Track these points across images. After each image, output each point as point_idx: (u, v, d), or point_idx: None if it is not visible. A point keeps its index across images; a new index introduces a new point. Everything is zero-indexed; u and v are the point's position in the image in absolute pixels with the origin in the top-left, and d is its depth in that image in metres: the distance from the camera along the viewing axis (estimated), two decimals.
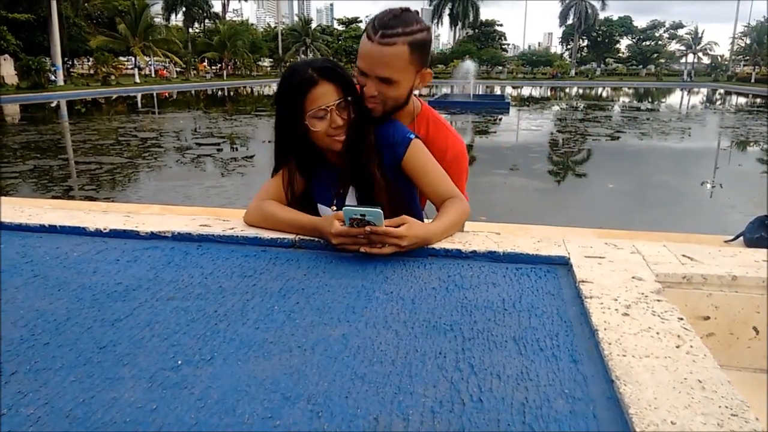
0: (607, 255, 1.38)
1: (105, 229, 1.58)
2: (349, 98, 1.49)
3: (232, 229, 1.55)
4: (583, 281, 1.21)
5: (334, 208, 1.62)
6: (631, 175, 10.88)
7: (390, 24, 1.48)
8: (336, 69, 1.49)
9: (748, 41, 62.79)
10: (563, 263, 1.36)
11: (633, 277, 1.23)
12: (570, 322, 1.07)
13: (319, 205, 1.66)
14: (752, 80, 53.62)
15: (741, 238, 3.96)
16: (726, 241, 4.02)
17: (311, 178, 1.65)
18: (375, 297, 1.18)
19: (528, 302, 1.16)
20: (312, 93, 1.46)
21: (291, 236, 1.49)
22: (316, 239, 1.48)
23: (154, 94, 34.14)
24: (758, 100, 36.53)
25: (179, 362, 0.92)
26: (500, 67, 69.40)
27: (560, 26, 71.41)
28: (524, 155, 12.71)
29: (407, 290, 1.22)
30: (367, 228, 1.32)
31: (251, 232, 1.52)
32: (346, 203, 1.60)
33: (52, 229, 1.62)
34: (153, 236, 1.55)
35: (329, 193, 1.64)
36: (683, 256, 1.37)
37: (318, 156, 1.62)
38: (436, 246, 1.42)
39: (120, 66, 44.13)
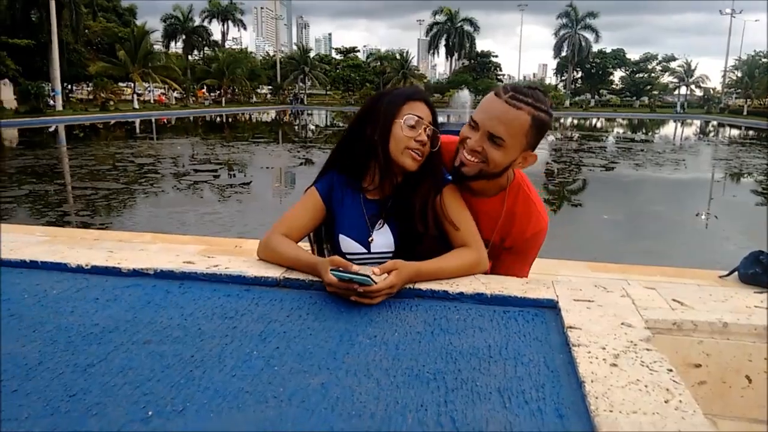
0: (596, 298, 1.35)
1: (87, 265, 1.55)
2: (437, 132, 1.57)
3: (216, 266, 1.52)
4: (571, 327, 1.18)
5: (372, 239, 1.60)
6: (626, 206, 10.92)
7: (523, 91, 1.49)
8: (432, 103, 1.60)
9: (739, 74, 63.77)
10: (551, 306, 1.34)
11: (622, 324, 1.20)
12: (557, 371, 1.04)
13: (341, 237, 1.62)
14: (744, 113, 54.30)
15: (735, 273, 3.94)
16: (720, 277, 4.00)
17: (340, 208, 1.64)
18: (358, 341, 1.15)
19: (514, 349, 1.13)
20: (413, 103, 1.55)
21: (276, 275, 1.47)
22: (302, 278, 1.45)
23: (153, 120, 34.35)
24: (751, 133, 36.94)
25: (150, 413, 0.89)
26: None
27: (554, 58, 72.43)
28: None
29: (391, 334, 1.19)
30: (359, 288, 1.29)
31: (236, 270, 1.49)
32: (374, 238, 1.60)
33: (33, 265, 1.58)
34: (135, 273, 1.52)
35: (362, 225, 1.61)
36: (673, 300, 1.35)
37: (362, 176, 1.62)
38: (423, 287, 1.40)
39: (119, 92, 44.45)
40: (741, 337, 1.22)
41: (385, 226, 1.61)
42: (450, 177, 1.60)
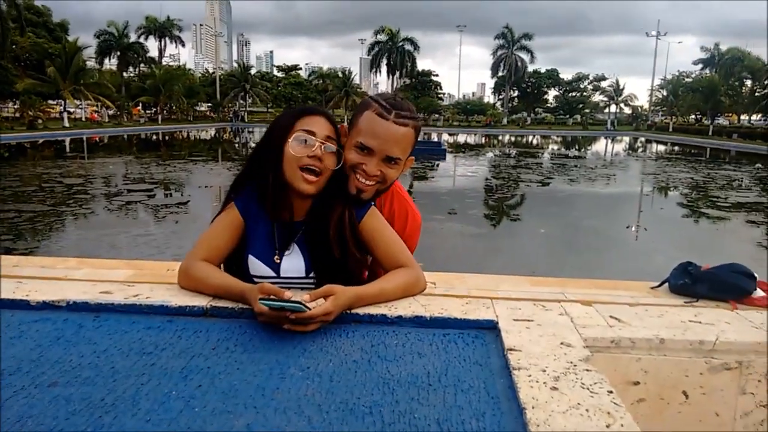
0: (535, 317, 1.33)
1: None
2: (339, 149, 1.48)
3: (137, 296, 1.41)
4: (511, 349, 1.15)
5: (277, 259, 1.51)
6: (561, 220, 11.24)
7: (402, 106, 1.50)
8: (334, 118, 1.51)
9: (664, 93, 67.43)
10: (491, 327, 1.30)
11: (561, 343, 1.18)
12: (497, 397, 1.00)
13: (250, 258, 1.52)
14: (670, 129, 57.38)
15: (666, 284, 4.07)
16: (652, 288, 4.13)
17: (253, 225, 1.53)
18: (289, 374, 1.07)
19: (454, 375, 1.08)
20: (306, 118, 1.46)
21: (203, 303, 1.37)
22: (230, 306, 1.36)
23: (84, 139, 32.98)
24: (676, 148, 39.06)
25: None
26: (437, 115, 71.42)
27: (492, 77, 74.35)
28: (461, 200, 12.94)
29: (326, 365, 1.12)
30: (291, 315, 1.21)
31: (158, 300, 1.39)
32: (281, 261, 1.51)
33: None
34: (45, 306, 1.39)
35: (272, 247, 1.52)
36: (611, 317, 1.34)
37: (275, 197, 1.51)
38: (360, 311, 1.34)
39: (48, 110, 42.52)
40: (677, 352, 1.22)
41: (296, 249, 1.53)
42: (372, 203, 1.55)
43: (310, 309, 1.22)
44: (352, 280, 1.41)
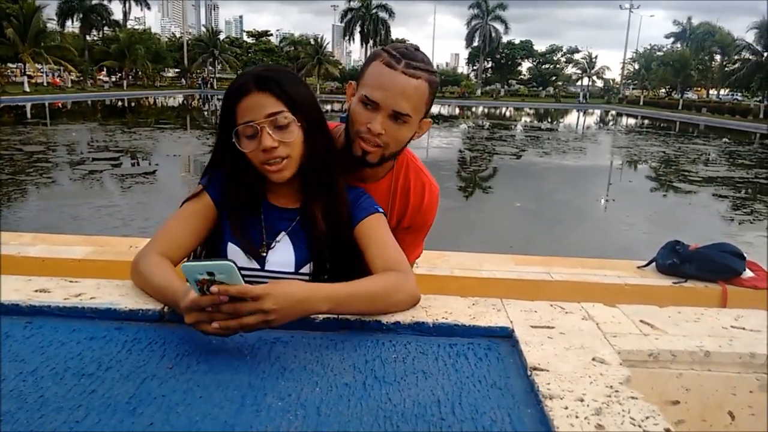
0: (555, 323, 1.13)
1: None
2: (294, 116, 1.19)
3: (79, 296, 1.17)
4: (535, 369, 0.95)
5: (265, 252, 1.28)
6: (536, 193, 11.17)
7: (415, 56, 1.32)
8: (278, 77, 1.19)
9: (636, 67, 67.81)
10: (506, 336, 1.10)
11: (594, 359, 0.99)
12: None
13: (229, 246, 1.29)
14: (641, 103, 57.88)
15: (653, 263, 3.96)
16: (639, 267, 4.01)
17: (232, 211, 1.29)
18: (266, 405, 0.86)
19: (470, 404, 0.88)
20: (242, 103, 1.19)
21: (159, 305, 1.14)
22: None
23: (46, 105, 31.68)
24: (646, 122, 39.43)
25: None
26: None
27: (467, 48, 73.75)
28: (435, 172, 12.70)
29: (311, 390, 0.90)
30: (214, 288, 0.94)
31: (105, 301, 1.15)
32: (268, 252, 1.28)
33: None
34: None
35: (258, 235, 1.29)
36: (642, 322, 1.15)
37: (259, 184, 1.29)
38: (351, 317, 1.12)
39: (7, 73, 40.62)
40: (724, 367, 1.04)
41: (286, 239, 1.29)
42: (381, 210, 1.32)
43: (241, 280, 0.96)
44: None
